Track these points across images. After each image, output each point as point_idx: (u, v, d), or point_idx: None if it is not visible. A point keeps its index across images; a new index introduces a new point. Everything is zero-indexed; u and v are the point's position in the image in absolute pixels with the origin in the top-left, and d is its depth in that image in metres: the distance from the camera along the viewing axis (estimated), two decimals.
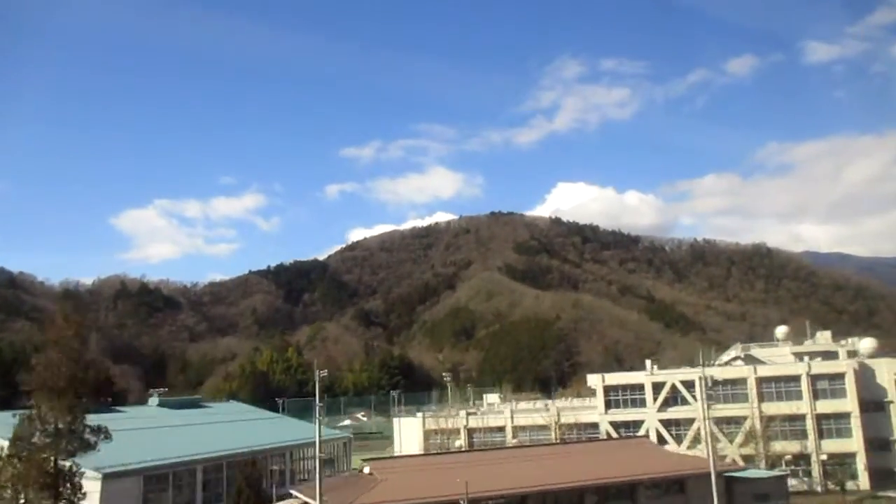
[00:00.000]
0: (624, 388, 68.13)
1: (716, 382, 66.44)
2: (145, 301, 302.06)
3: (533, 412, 70.18)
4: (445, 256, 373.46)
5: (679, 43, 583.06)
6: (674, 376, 67.02)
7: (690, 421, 65.78)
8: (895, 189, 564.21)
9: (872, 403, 65.17)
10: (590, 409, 68.85)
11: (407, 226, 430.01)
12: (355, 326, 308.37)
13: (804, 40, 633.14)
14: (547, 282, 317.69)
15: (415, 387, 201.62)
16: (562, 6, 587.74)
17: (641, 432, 66.41)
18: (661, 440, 66.18)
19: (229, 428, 62.85)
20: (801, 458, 63.58)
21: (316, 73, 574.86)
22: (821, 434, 63.76)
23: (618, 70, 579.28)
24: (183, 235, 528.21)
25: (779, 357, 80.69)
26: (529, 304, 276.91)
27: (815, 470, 63.05)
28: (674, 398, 66.90)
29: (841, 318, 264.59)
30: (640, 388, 67.63)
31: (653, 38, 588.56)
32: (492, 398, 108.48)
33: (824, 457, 62.98)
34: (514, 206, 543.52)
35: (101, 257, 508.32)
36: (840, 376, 64.28)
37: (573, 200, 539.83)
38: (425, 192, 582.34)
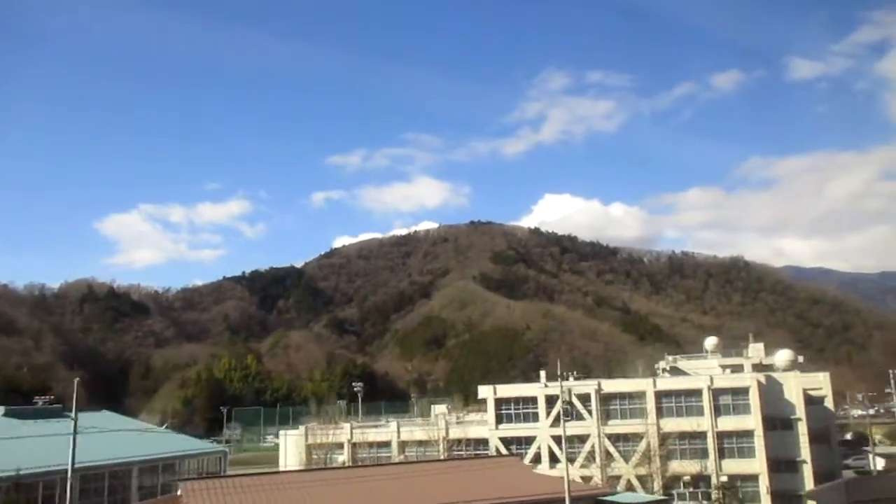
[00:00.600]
0: (517, 400, 63.30)
1: (608, 397, 61.95)
2: (112, 305, 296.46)
3: (420, 427, 65.31)
4: (423, 265, 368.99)
5: (665, 57, 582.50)
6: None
7: (585, 437, 61.06)
8: (877, 205, 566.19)
9: (779, 421, 60.56)
10: (481, 424, 64.05)
11: (389, 235, 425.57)
12: (328, 334, 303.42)
13: (788, 56, 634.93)
14: (523, 292, 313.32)
15: (378, 396, 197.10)
16: (549, 18, 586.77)
17: (533, 449, 61.69)
18: (554, 458, 61.44)
19: (79, 441, 57.61)
20: (701, 480, 58.78)
21: (303, 80, 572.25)
22: (722, 453, 59.03)
23: (604, 82, 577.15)
24: (167, 241, 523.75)
25: (705, 370, 76.35)
26: (500, 314, 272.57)
27: (715, 493, 58.26)
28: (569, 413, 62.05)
29: (816, 331, 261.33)
30: (534, 401, 62.86)
31: (639, 51, 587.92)
32: (440, 409, 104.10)
33: (724, 478, 58.22)
34: (501, 217, 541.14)
35: (85, 262, 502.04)
36: (744, 391, 59.63)
37: (559, 212, 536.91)
38: (411, 201, 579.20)
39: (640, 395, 61.13)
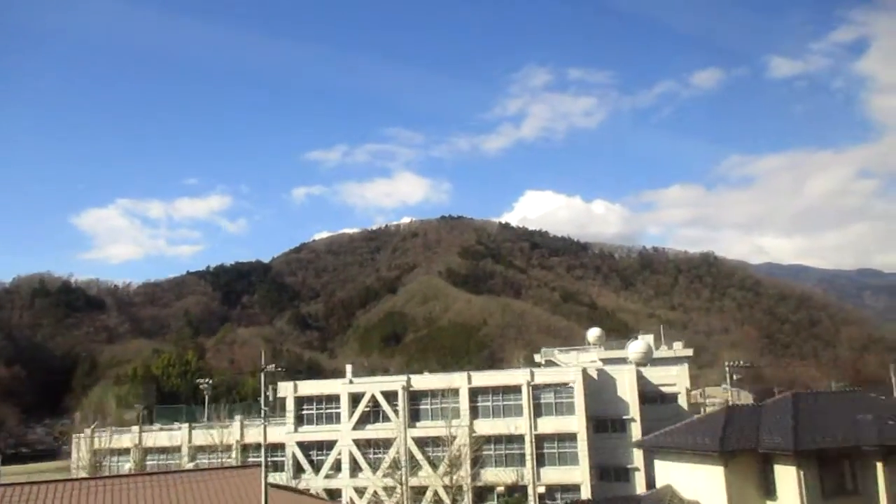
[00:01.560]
0: (319, 399, 55.48)
1: (419, 394, 54.12)
2: (64, 300, 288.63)
3: (214, 430, 57.43)
4: (392, 260, 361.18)
5: (645, 54, 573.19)
6: (374, 386, 54.42)
7: (391, 442, 53.23)
8: (855, 203, 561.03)
9: (611, 422, 52.79)
10: (278, 427, 56.20)
11: (360, 229, 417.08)
12: (290, 330, 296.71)
13: (768, 55, 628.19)
14: (489, 287, 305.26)
15: None
16: (529, 14, 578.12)
17: (334, 454, 53.91)
18: (356, 465, 53.65)
19: None
20: (517, 490, 50.97)
21: (284, 75, 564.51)
22: (541, 460, 51.19)
23: (585, 79, 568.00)
24: (145, 236, 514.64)
25: (583, 364, 68.63)
26: (459, 309, 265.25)
27: None
28: (375, 413, 54.36)
29: (783, 327, 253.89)
30: (337, 399, 55.05)
31: (620, 48, 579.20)
32: None
33: (542, 489, 50.44)
34: (483, 214, 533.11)
35: (61, 257, 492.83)
36: (568, 387, 51.77)
37: (540, 208, 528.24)
38: (393, 197, 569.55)
39: (455, 393, 53.27)
